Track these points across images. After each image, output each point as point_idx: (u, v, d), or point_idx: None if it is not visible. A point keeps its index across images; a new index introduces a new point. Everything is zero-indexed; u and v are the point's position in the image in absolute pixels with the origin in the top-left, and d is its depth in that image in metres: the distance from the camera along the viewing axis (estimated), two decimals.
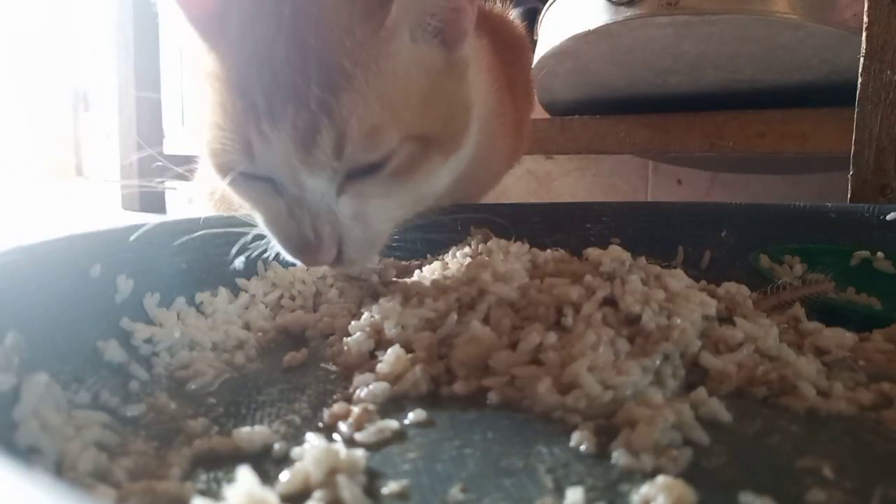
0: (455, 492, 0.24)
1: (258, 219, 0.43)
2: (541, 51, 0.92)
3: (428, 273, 0.45)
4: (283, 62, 0.38)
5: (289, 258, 0.42)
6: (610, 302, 0.37)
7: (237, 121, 0.38)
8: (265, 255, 0.47)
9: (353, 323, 0.39)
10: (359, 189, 0.40)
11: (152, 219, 0.45)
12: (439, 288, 0.40)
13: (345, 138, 0.38)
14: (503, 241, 0.49)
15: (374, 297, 0.43)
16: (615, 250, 0.41)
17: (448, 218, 0.61)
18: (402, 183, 0.42)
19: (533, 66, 0.92)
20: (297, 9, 0.39)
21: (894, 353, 0.36)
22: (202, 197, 0.79)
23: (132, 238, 0.41)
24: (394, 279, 0.47)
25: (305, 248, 0.40)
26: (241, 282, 0.48)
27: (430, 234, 0.59)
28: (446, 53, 0.44)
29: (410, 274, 0.47)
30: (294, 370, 0.37)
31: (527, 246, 0.47)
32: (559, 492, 0.24)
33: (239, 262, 0.48)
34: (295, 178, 0.39)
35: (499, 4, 0.71)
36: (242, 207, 0.64)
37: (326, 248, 0.40)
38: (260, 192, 0.41)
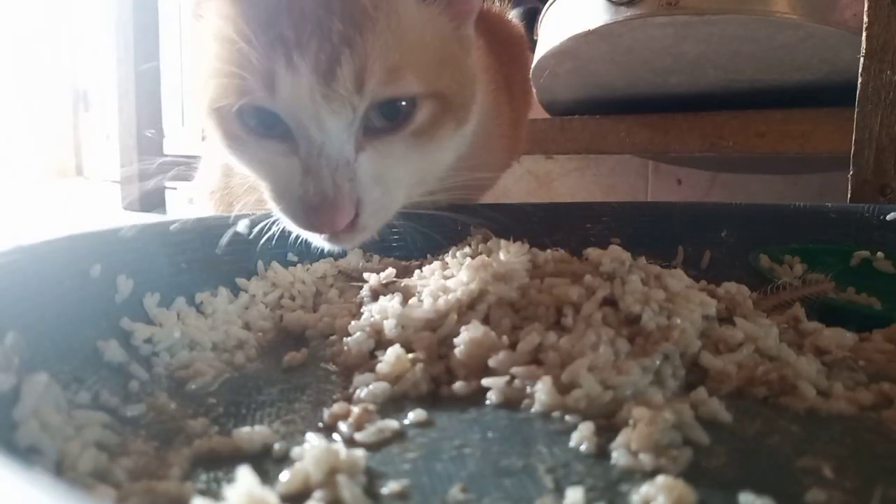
0: (455, 492, 0.24)
1: (265, 189, 0.43)
2: (541, 51, 0.92)
3: (428, 273, 0.45)
4: None
5: (297, 229, 0.42)
6: (610, 302, 0.37)
7: (261, 54, 0.38)
8: (271, 228, 0.47)
9: (353, 323, 0.39)
10: (378, 148, 0.40)
11: (152, 219, 0.45)
12: (439, 288, 0.40)
13: (365, 71, 0.38)
14: (503, 241, 0.49)
15: (374, 297, 0.43)
16: (615, 250, 0.41)
17: (448, 218, 0.61)
18: (419, 147, 0.42)
19: (533, 66, 0.92)
20: None
21: (894, 353, 0.36)
22: (203, 196, 0.79)
23: (121, 234, 0.41)
24: (394, 279, 0.47)
25: (323, 207, 0.38)
26: (241, 282, 0.48)
27: (430, 235, 0.59)
28: (454, 27, 0.45)
29: (410, 274, 0.47)
30: (294, 370, 0.37)
31: (527, 246, 0.47)
32: (559, 492, 0.24)
33: (242, 227, 0.48)
34: (316, 117, 0.38)
35: (497, 4, 0.71)
36: (245, 205, 0.64)
37: (345, 208, 0.39)
38: (272, 153, 0.41)
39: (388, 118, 0.41)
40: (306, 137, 0.39)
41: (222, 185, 0.75)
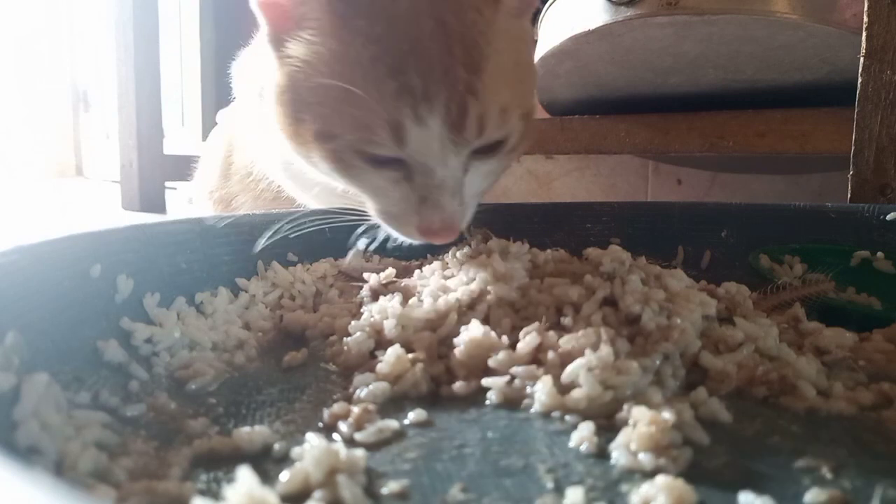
0: (455, 492, 0.24)
1: (371, 205, 0.44)
2: (541, 51, 0.92)
3: (428, 273, 0.45)
4: (430, 41, 0.38)
5: (401, 235, 0.44)
6: (610, 302, 0.37)
7: (388, 105, 0.37)
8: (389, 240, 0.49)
9: (353, 323, 0.39)
10: (479, 167, 0.42)
11: (152, 219, 0.45)
12: (439, 288, 0.40)
13: (486, 118, 0.39)
14: (503, 241, 0.49)
15: (374, 297, 0.43)
16: (615, 250, 0.41)
17: None
18: (507, 158, 0.44)
19: None
20: None
21: (894, 353, 0.36)
22: (202, 196, 0.79)
23: (122, 234, 0.41)
24: (394, 279, 0.47)
25: (442, 232, 0.41)
26: (241, 282, 0.48)
27: None
28: (524, 24, 0.46)
29: (410, 274, 0.47)
30: (294, 370, 0.37)
31: (527, 246, 0.47)
32: (559, 492, 0.24)
33: (362, 243, 0.51)
34: (442, 160, 0.40)
35: None
36: (243, 206, 0.64)
37: (457, 229, 0.42)
38: (385, 181, 0.42)
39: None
40: (428, 174, 0.40)
41: (221, 184, 0.75)
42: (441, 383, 0.34)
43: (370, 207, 0.45)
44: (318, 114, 0.41)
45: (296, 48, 0.42)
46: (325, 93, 0.40)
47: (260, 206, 0.68)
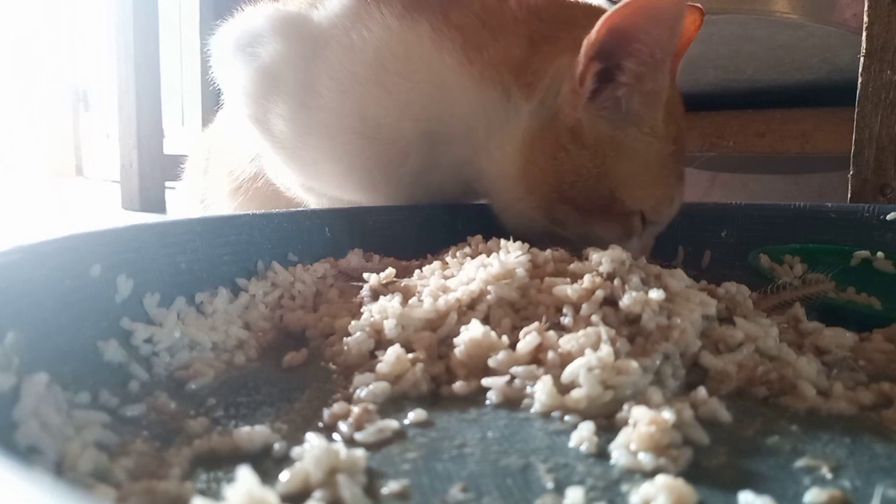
0: (455, 491, 0.24)
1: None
2: None
3: (428, 273, 0.45)
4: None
5: None
6: (610, 302, 0.37)
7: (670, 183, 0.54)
8: None
9: (353, 323, 0.39)
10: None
11: (152, 219, 0.45)
12: (439, 288, 0.40)
13: None
14: (503, 241, 0.49)
15: (374, 297, 0.43)
16: (615, 250, 0.41)
17: (448, 218, 0.61)
18: None
19: None
20: None
21: (894, 353, 0.36)
22: (192, 200, 0.81)
23: (121, 234, 0.41)
24: (394, 279, 0.47)
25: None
26: (241, 282, 0.48)
27: (430, 234, 0.59)
28: None
29: (410, 274, 0.47)
30: (294, 370, 0.37)
31: (527, 246, 0.47)
32: (559, 492, 0.24)
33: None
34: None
35: None
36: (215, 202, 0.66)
37: None
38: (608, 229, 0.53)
39: None
40: (655, 225, 0.55)
41: (202, 185, 0.77)
42: (441, 383, 0.34)
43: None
44: (558, 175, 0.54)
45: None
46: (597, 166, 0.53)
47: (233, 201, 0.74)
